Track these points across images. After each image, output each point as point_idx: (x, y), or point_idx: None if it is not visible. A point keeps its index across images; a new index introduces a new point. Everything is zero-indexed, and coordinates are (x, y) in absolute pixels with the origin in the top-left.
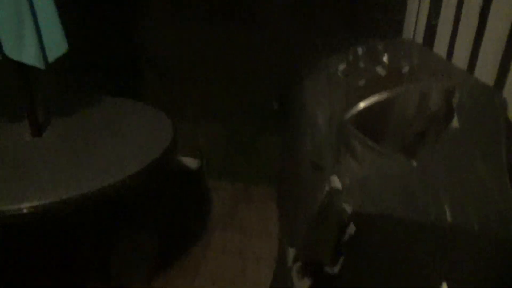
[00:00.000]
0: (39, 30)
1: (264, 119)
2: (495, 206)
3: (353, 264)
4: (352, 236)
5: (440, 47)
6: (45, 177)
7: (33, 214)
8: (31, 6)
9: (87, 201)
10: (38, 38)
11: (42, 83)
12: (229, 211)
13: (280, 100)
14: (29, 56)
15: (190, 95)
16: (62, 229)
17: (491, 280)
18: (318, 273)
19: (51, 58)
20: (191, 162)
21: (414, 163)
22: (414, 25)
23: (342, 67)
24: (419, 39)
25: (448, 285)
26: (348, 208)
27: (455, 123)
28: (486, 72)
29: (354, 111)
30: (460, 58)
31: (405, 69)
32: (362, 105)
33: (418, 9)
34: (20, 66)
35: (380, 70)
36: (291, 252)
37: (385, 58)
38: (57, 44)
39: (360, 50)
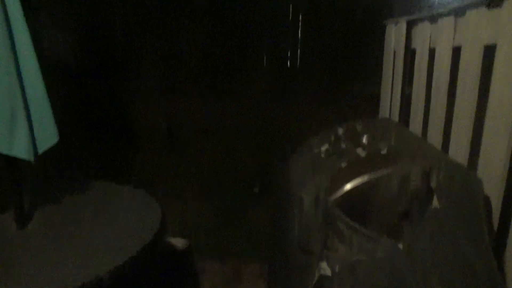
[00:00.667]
0: (31, 123)
1: (252, 195)
2: (482, 286)
3: None
4: None
5: (415, 124)
6: (29, 273)
7: None
8: (25, 100)
9: None
10: (30, 132)
11: (28, 170)
12: None
13: (261, 183)
14: (19, 150)
15: (178, 171)
16: None
17: None
18: None
19: (41, 149)
20: (179, 242)
21: (401, 246)
22: (389, 98)
23: (324, 148)
24: (395, 110)
25: None
26: None
27: (435, 203)
28: (459, 149)
29: (338, 193)
30: (435, 135)
31: (384, 150)
32: (346, 187)
33: (392, 83)
34: (10, 158)
35: (360, 152)
36: None
37: (364, 139)
38: (48, 136)
39: (340, 131)
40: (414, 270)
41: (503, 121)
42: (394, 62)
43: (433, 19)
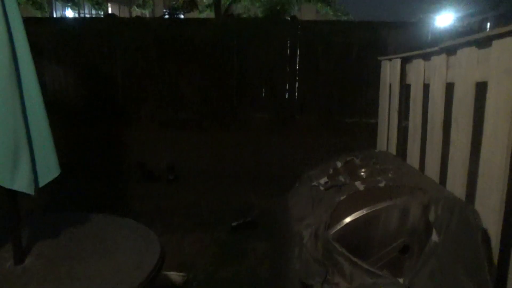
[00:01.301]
0: (34, 156)
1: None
2: None
3: None
4: None
5: (413, 156)
6: None
7: None
8: (28, 134)
9: None
10: (32, 165)
11: (26, 204)
12: None
13: (239, 219)
14: (21, 184)
15: (176, 204)
16: None
17: None
18: None
19: (42, 183)
20: (177, 277)
21: (401, 281)
22: (386, 131)
23: (323, 180)
24: (393, 143)
25: None
26: None
27: (434, 237)
28: (456, 182)
29: (337, 227)
30: (432, 168)
31: (382, 183)
32: (345, 221)
33: (389, 117)
34: (9, 191)
35: (358, 185)
36: None
37: (363, 172)
38: (49, 170)
39: (339, 164)
40: None
41: (499, 154)
42: (390, 96)
43: (426, 56)
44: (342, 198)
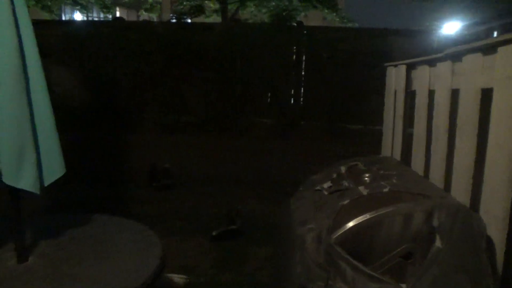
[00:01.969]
0: (40, 156)
1: (252, 230)
2: None
3: None
4: None
5: (417, 162)
6: None
7: None
8: (34, 133)
9: None
10: (37, 165)
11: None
12: None
13: (221, 227)
14: (26, 183)
15: (178, 207)
16: None
17: None
18: None
19: (47, 182)
20: (178, 279)
21: (404, 287)
22: (391, 137)
23: (326, 185)
24: (397, 149)
25: None
26: None
27: (438, 243)
28: (461, 189)
29: (340, 231)
30: (436, 174)
31: (386, 189)
32: (348, 225)
33: (394, 122)
34: (13, 191)
35: (362, 190)
36: None
37: (366, 177)
38: (55, 169)
39: (343, 169)
40: None
41: (504, 161)
42: (395, 103)
43: (432, 62)
44: (345, 202)
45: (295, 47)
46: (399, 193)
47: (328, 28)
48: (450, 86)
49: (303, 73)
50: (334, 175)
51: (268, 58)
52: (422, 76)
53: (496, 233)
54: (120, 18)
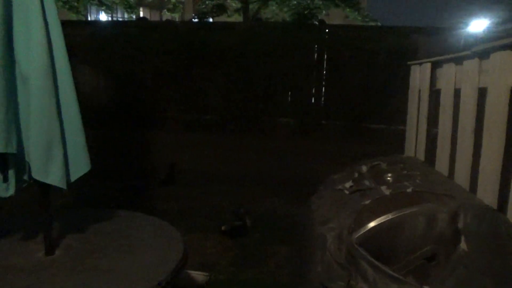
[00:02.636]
0: (67, 152)
1: (272, 229)
2: None
3: None
4: None
5: (442, 163)
6: None
7: None
8: (62, 130)
9: None
10: (64, 161)
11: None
12: None
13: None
14: (54, 178)
15: (199, 205)
16: None
17: None
18: None
19: (73, 177)
20: (199, 276)
21: None
22: (415, 137)
23: (348, 184)
24: (421, 149)
25: None
26: None
27: (463, 245)
28: (488, 190)
29: (361, 231)
30: (462, 175)
31: (409, 189)
32: (369, 225)
33: (418, 122)
34: (42, 185)
35: (384, 189)
36: None
37: (389, 177)
38: (81, 165)
39: (364, 168)
40: None
41: None
42: (419, 102)
43: (458, 60)
44: (367, 202)
45: (316, 46)
46: (422, 193)
47: (350, 26)
48: (477, 84)
49: (324, 72)
50: (356, 175)
51: (290, 57)
52: (448, 75)
53: None
54: (143, 18)
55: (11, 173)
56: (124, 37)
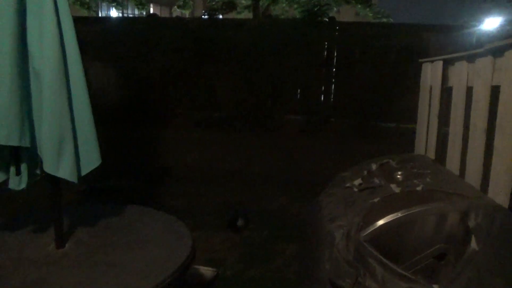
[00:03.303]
0: (77, 146)
1: (281, 227)
2: None
3: None
4: None
5: (452, 162)
6: None
7: None
8: (73, 124)
9: None
10: (75, 155)
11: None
12: None
13: (245, 217)
14: (65, 172)
15: (207, 202)
16: None
17: None
18: None
19: (84, 171)
20: (207, 271)
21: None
22: (425, 135)
23: (357, 182)
24: (431, 147)
25: None
26: None
27: (473, 245)
28: (499, 189)
29: (370, 229)
30: (473, 174)
31: (419, 187)
32: (378, 223)
33: (428, 120)
34: (53, 179)
35: (394, 188)
36: None
37: (398, 175)
38: (91, 159)
39: (374, 166)
40: None
41: None
42: (430, 100)
43: (471, 58)
44: (376, 200)
45: (326, 43)
46: (433, 192)
47: (361, 24)
48: (491, 82)
49: (334, 69)
50: (365, 173)
51: (299, 55)
52: (460, 72)
53: None
54: (153, 14)
55: (23, 166)
56: (134, 34)
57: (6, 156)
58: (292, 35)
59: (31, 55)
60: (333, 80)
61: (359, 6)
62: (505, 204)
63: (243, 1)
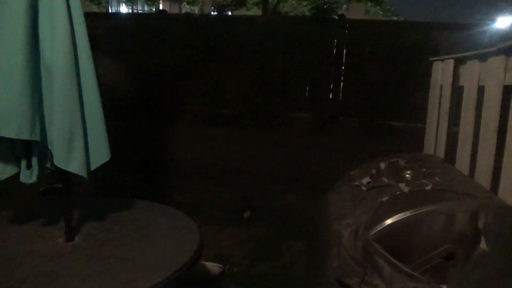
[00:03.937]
0: (87, 141)
1: (288, 224)
2: None
3: None
4: None
5: (462, 161)
6: (71, 285)
7: None
8: (83, 119)
9: None
10: (85, 150)
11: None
12: None
13: (252, 208)
14: (75, 166)
15: (215, 198)
16: None
17: None
18: None
19: (93, 166)
20: (213, 267)
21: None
22: (435, 134)
23: (365, 180)
24: (441, 147)
25: None
26: None
27: (483, 245)
28: (510, 190)
29: (378, 227)
30: (483, 174)
31: (429, 186)
32: (386, 222)
33: (438, 119)
34: (63, 174)
35: (403, 187)
36: None
37: (407, 174)
38: (101, 154)
39: (382, 165)
40: None
41: None
42: (440, 98)
43: (482, 57)
44: (384, 199)
45: (335, 41)
46: (442, 192)
47: (371, 21)
48: (503, 82)
49: (343, 67)
50: (373, 171)
51: (308, 52)
52: (472, 71)
53: None
54: (163, 10)
55: (34, 160)
56: (144, 30)
57: (17, 150)
58: (301, 32)
59: (43, 50)
60: (342, 78)
61: (369, 3)
62: None
63: None
